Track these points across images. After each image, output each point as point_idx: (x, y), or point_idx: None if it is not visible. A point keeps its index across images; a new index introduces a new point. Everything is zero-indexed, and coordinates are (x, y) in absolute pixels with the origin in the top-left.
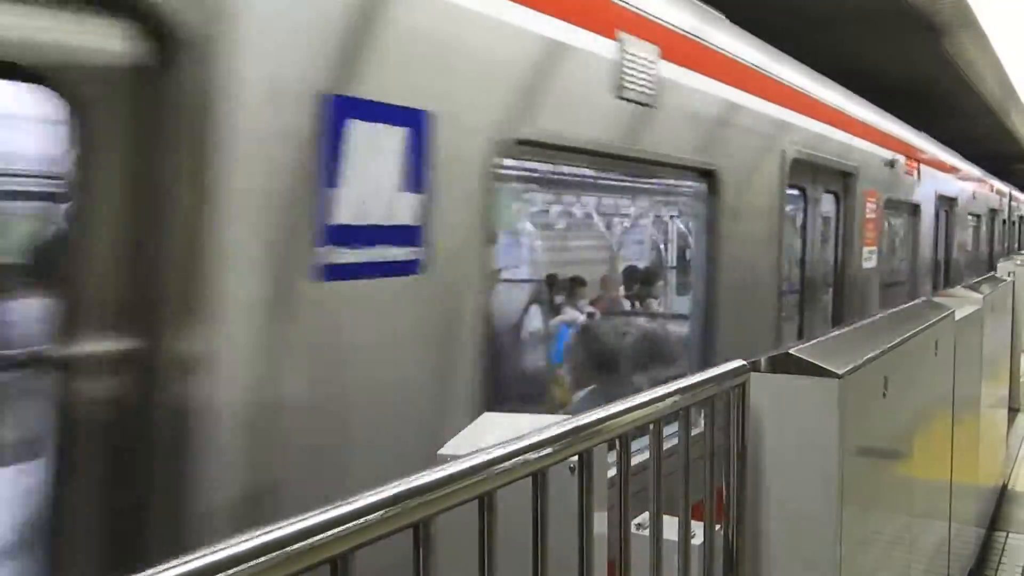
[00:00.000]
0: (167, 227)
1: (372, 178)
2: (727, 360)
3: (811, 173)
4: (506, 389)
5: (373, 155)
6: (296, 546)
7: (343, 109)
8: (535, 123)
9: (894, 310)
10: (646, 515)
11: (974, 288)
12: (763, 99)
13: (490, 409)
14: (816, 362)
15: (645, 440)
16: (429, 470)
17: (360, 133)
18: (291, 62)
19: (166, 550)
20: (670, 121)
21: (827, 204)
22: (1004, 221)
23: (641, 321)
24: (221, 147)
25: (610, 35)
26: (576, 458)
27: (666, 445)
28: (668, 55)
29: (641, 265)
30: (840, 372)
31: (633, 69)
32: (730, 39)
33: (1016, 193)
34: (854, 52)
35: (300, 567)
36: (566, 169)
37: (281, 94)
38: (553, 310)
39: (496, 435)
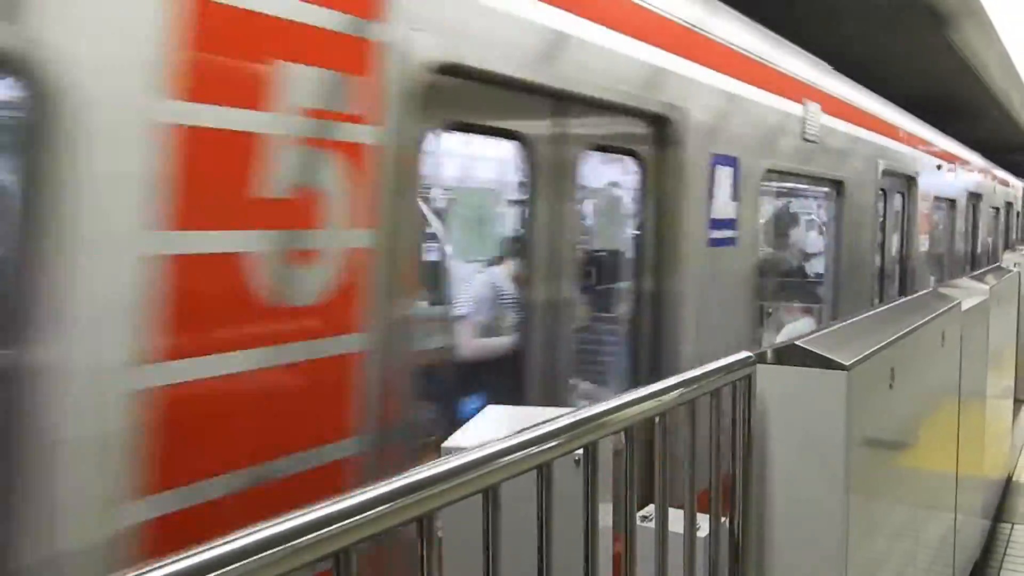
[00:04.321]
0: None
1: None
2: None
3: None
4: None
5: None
6: (299, 540)
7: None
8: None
9: (901, 301)
10: (651, 507)
11: (980, 279)
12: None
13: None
14: (823, 353)
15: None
16: (433, 463)
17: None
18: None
19: None
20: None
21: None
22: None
23: None
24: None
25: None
26: (581, 450)
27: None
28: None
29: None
30: (847, 363)
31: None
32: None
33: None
34: (857, 42)
35: (303, 561)
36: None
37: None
38: None
39: (501, 428)
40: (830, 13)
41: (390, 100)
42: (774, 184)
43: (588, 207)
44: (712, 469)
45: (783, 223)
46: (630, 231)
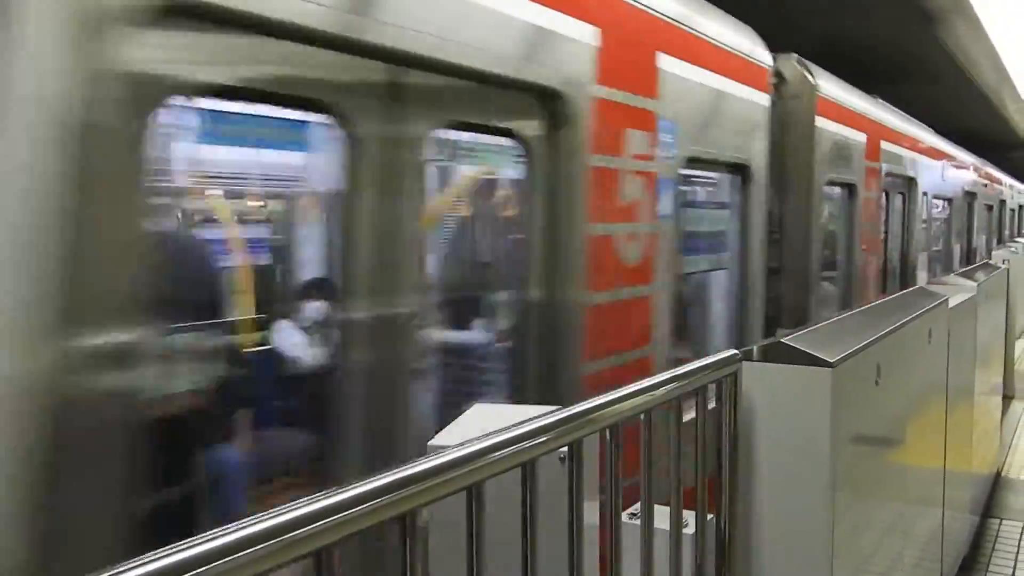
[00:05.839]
0: None
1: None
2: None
3: None
4: None
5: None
6: (279, 539)
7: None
8: None
9: (888, 298)
10: (638, 505)
11: (968, 276)
12: None
13: None
14: (809, 351)
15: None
16: (416, 460)
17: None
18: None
19: None
20: None
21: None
22: None
23: None
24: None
25: None
26: (566, 448)
27: None
28: None
29: None
30: (832, 361)
31: None
32: None
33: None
34: (845, 35)
35: (284, 560)
36: None
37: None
38: None
39: (486, 426)
40: (820, 9)
41: None
42: None
43: None
44: (698, 466)
45: None
46: None
